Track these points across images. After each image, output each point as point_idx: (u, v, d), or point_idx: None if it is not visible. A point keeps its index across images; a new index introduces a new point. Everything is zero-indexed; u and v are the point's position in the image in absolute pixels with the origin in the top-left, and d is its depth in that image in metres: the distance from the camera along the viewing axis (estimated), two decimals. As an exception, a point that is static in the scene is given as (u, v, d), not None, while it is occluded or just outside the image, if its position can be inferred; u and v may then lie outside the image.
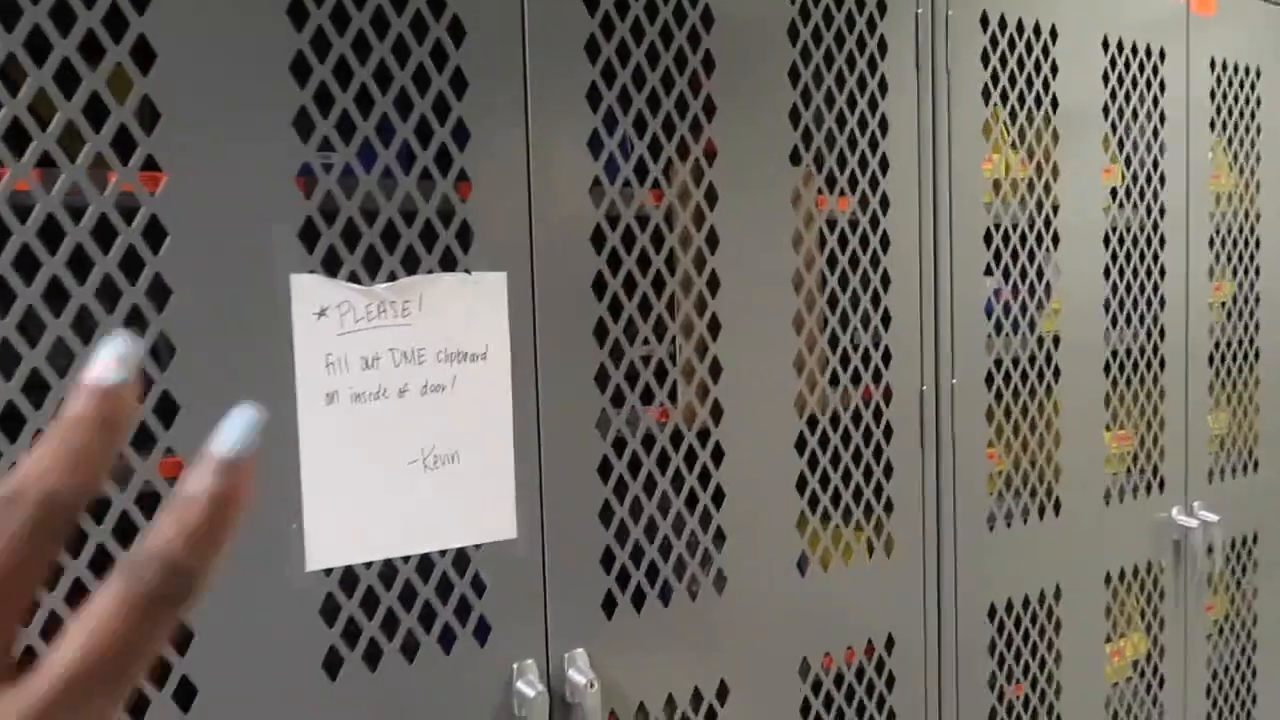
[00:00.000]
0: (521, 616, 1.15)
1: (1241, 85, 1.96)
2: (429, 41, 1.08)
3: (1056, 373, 1.69)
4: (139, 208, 0.93)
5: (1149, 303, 1.84)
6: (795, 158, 1.37)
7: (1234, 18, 1.92)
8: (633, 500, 1.24)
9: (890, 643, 1.50)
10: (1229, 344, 1.99)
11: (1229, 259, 1.98)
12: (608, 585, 1.22)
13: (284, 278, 1.00)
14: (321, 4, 1.02)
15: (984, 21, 1.55)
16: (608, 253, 1.21)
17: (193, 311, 0.96)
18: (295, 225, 1.01)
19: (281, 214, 1.00)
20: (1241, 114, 1.97)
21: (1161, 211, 1.84)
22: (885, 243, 1.47)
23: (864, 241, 1.47)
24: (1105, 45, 1.72)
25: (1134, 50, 1.77)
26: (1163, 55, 1.81)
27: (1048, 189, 1.68)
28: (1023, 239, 1.65)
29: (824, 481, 1.44)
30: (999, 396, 1.63)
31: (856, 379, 1.46)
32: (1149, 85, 1.80)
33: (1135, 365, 1.83)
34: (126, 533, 0.93)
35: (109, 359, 0.26)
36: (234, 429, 0.27)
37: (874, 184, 1.47)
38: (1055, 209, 1.69)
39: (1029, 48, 1.62)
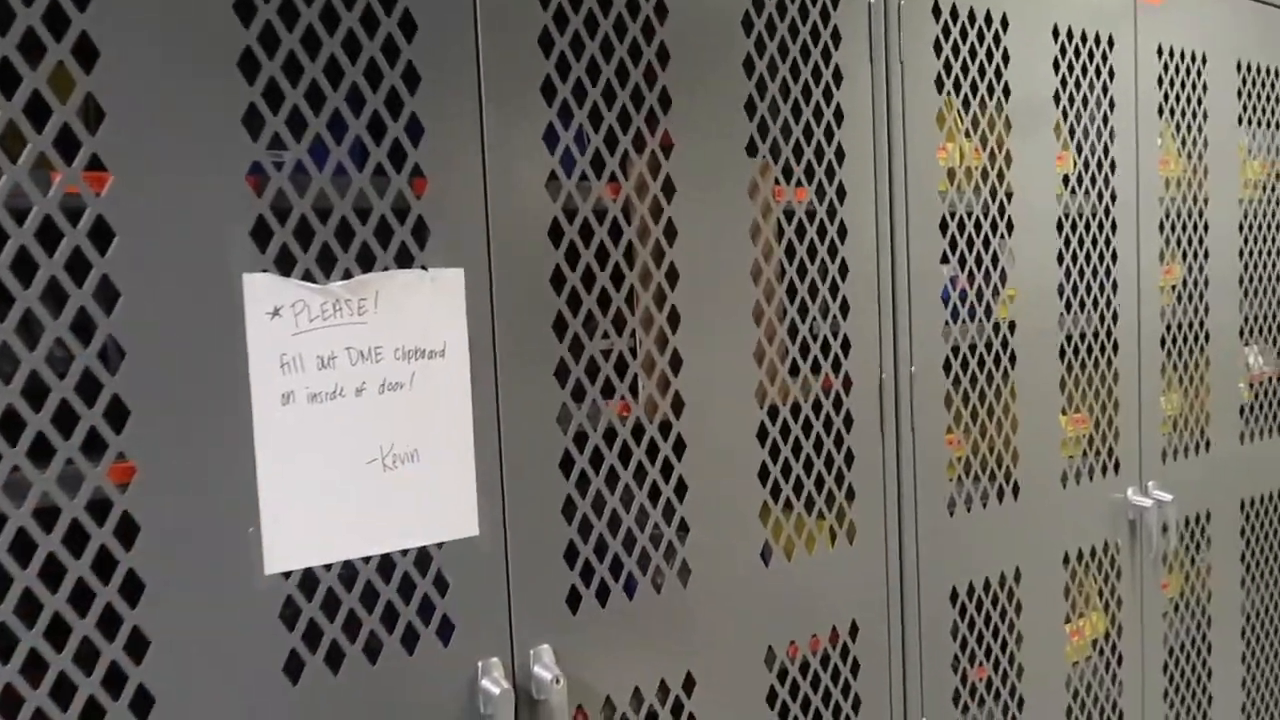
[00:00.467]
0: (485, 614, 1.15)
1: (1189, 72, 1.99)
2: (380, 36, 1.07)
3: (1013, 358, 1.72)
4: (85, 208, 0.92)
5: (1101, 287, 1.87)
6: (752, 149, 1.38)
7: (1181, 5, 1.96)
8: (595, 494, 1.24)
9: (854, 629, 1.51)
10: (1180, 326, 2.03)
11: (1179, 243, 2.02)
12: (572, 580, 1.22)
13: (236, 277, 0.98)
14: (268, -1, 1.00)
15: (935, 11, 1.57)
16: (565, 247, 1.20)
17: (142, 313, 0.94)
18: (247, 224, 0.99)
19: (232, 213, 0.99)
20: (1189, 100, 2.00)
21: (1113, 197, 1.87)
22: (843, 232, 1.48)
23: (821, 232, 1.48)
24: (1055, 33, 1.74)
25: (1083, 38, 1.79)
26: (1111, 43, 1.83)
27: (1001, 177, 1.70)
28: (978, 227, 1.67)
29: (786, 471, 1.45)
30: (957, 383, 1.65)
31: (816, 368, 1.47)
32: (1098, 73, 1.83)
33: (1089, 349, 1.86)
34: (77, 541, 0.92)
35: None
36: None
37: (830, 174, 1.47)
38: (1009, 196, 1.71)
39: (980, 37, 1.64)
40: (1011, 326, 1.71)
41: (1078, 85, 1.80)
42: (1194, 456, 2.05)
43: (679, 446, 1.31)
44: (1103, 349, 1.88)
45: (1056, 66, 1.75)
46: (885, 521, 1.54)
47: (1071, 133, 1.84)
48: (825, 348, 1.48)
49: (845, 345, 1.49)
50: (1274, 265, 2.25)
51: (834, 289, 1.49)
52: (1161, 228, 1.97)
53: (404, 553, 1.10)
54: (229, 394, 0.98)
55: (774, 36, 1.40)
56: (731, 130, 1.35)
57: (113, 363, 0.94)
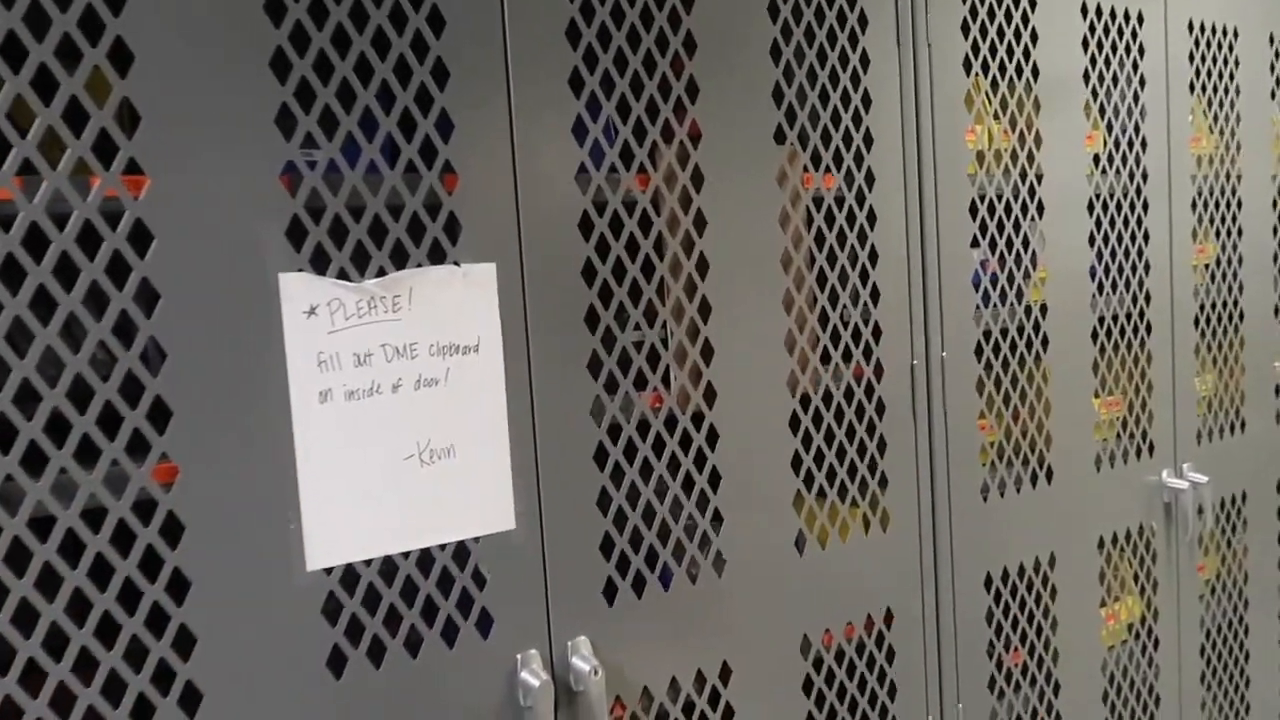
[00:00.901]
0: (523, 607, 1.16)
1: (1220, 47, 1.96)
2: (409, 33, 1.07)
3: (1045, 342, 1.70)
4: (124, 212, 0.92)
5: (1134, 268, 1.85)
6: (780, 136, 1.37)
7: (1211, -20, 1.92)
8: (630, 486, 1.25)
9: (889, 617, 1.51)
10: (1213, 306, 2.00)
11: (1211, 221, 1.99)
12: (608, 572, 1.22)
13: (272, 277, 0.99)
14: (298, -2, 1.01)
15: (964, -8, 1.55)
16: (596, 239, 1.20)
17: (182, 315, 0.95)
18: (282, 224, 1.00)
19: (267, 213, 0.99)
20: (1220, 75, 1.97)
21: (1144, 176, 1.84)
22: (872, 218, 1.47)
23: (850, 218, 1.47)
24: (1084, 11, 1.72)
25: (1112, 15, 1.77)
26: (1141, 19, 1.81)
27: (1031, 158, 1.68)
28: (1008, 209, 1.65)
29: (819, 459, 1.44)
30: (988, 368, 1.63)
31: (848, 356, 1.47)
32: (1128, 50, 1.80)
33: (1122, 331, 1.84)
34: (125, 541, 0.93)
35: None
36: None
37: (859, 160, 1.46)
38: (1039, 178, 1.69)
39: (1008, 17, 1.62)
40: (1043, 309, 1.70)
41: (1107, 63, 1.77)
42: (1229, 437, 2.02)
43: (712, 437, 1.31)
44: (1135, 330, 1.86)
45: (1085, 44, 1.73)
46: (919, 508, 1.53)
47: (1101, 111, 1.82)
48: (856, 335, 1.48)
49: (876, 332, 1.48)
50: (1309, 242, 2.21)
51: (864, 276, 1.48)
52: (1194, 206, 1.94)
53: (442, 547, 1.10)
54: (268, 393, 0.99)
55: (800, 22, 1.39)
56: (759, 118, 1.34)
57: (154, 364, 0.95)
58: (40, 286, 0.89)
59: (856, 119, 1.46)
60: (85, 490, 0.91)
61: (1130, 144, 1.83)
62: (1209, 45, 1.94)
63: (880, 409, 1.49)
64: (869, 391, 1.49)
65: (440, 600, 1.10)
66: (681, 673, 1.29)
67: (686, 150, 1.28)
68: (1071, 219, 1.72)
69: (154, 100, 0.93)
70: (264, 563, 0.99)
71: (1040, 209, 1.69)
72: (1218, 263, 2.02)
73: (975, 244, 1.61)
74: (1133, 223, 1.84)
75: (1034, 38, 1.65)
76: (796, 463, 1.40)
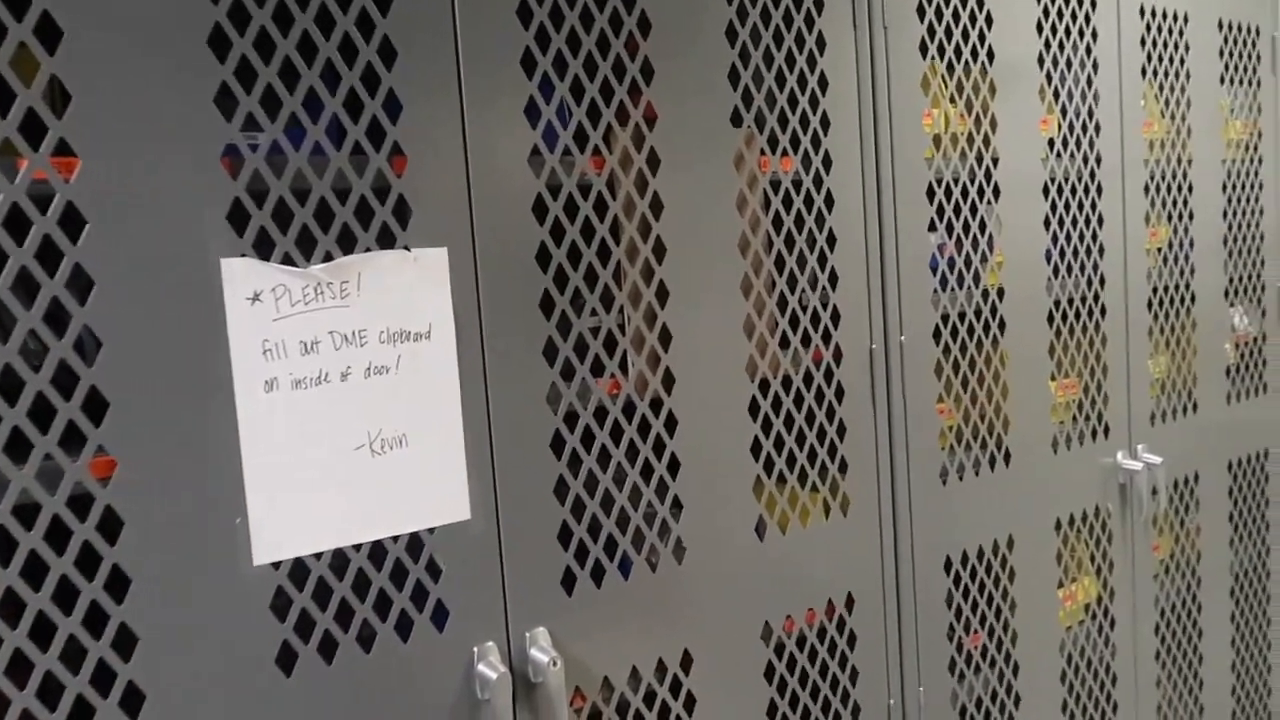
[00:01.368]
0: (480, 598, 1.14)
1: (1170, 31, 1.98)
2: (354, 10, 1.04)
3: (1002, 325, 1.71)
4: (54, 195, 0.88)
5: (1088, 251, 1.86)
6: (736, 119, 1.35)
7: (1162, -35, 1.94)
8: (588, 474, 1.23)
9: (850, 601, 1.51)
10: (1165, 289, 2.03)
11: (1164, 205, 2.02)
12: (566, 561, 1.20)
13: (214, 262, 0.96)
14: (236, -27, 0.97)
15: (919, -25, 1.54)
16: (550, 223, 1.18)
17: (118, 302, 0.91)
18: (223, 207, 0.97)
19: (208, 196, 0.96)
20: (1171, 60, 1.99)
21: (1098, 160, 1.86)
22: (829, 202, 1.47)
23: (808, 202, 1.46)
24: (1039, -5, 1.72)
25: None
26: (1094, 3, 1.81)
27: (987, 142, 1.68)
28: (964, 193, 1.65)
29: (778, 445, 1.43)
30: (947, 351, 1.64)
31: (806, 340, 1.46)
32: (1081, 34, 1.81)
33: (1077, 314, 1.86)
34: (60, 538, 0.89)
35: None
36: None
37: (816, 143, 1.45)
38: (995, 162, 1.69)
39: (964, 0, 1.61)
40: (1000, 293, 1.70)
41: (1061, 47, 1.78)
42: (1182, 419, 2.05)
43: (670, 423, 1.30)
44: (1090, 313, 1.87)
45: (1040, 28, 1.73)
46: (879, 492, 1.53)
47: (1056, 95, 1.83)
48: (815, 319, 1.47)
49: (835, 316, 1.48)
50: (1257, 225, 2.25)
51: (822, 260, 1.47)
52: (1146, 190, 1.96)
53: (395, 539, 1.08)
54: (210, 382, 0.96)
55: (756, 3, 1.37)
56: (715, 100, 1.33)
57: (89, 354, 0.91)
58: (-35, 273, 0.85)
59: (814, 101, 1.45)
60: (17, 485, 0.87)
61: (1084, 128, 1.84)
62: (1160, 30, 1.95)
63: (839, 393, 1.49)
64: (828, 376, 1.48)
65: (394, 593, 1.08)
66: (642, 662, 1.28)
67: (642, 133, 1.26)
68: (1027, 203, 1.73)
69: (85, 79, 0.89)
70: (208, 558, 0.96)
71: (996, 193, 1.69)
72: (1170, 246, 2.05)
73: (933, 228, 1.61)
74: (1087, 206, 1.85)
75: (989, 21, 1.65)
76: (756, 448, 1.39)
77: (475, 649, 1.13)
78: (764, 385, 1.41)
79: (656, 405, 1.29)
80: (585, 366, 1.22)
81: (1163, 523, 2.07)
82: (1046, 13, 1.74)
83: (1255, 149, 2.25)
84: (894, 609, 1.56)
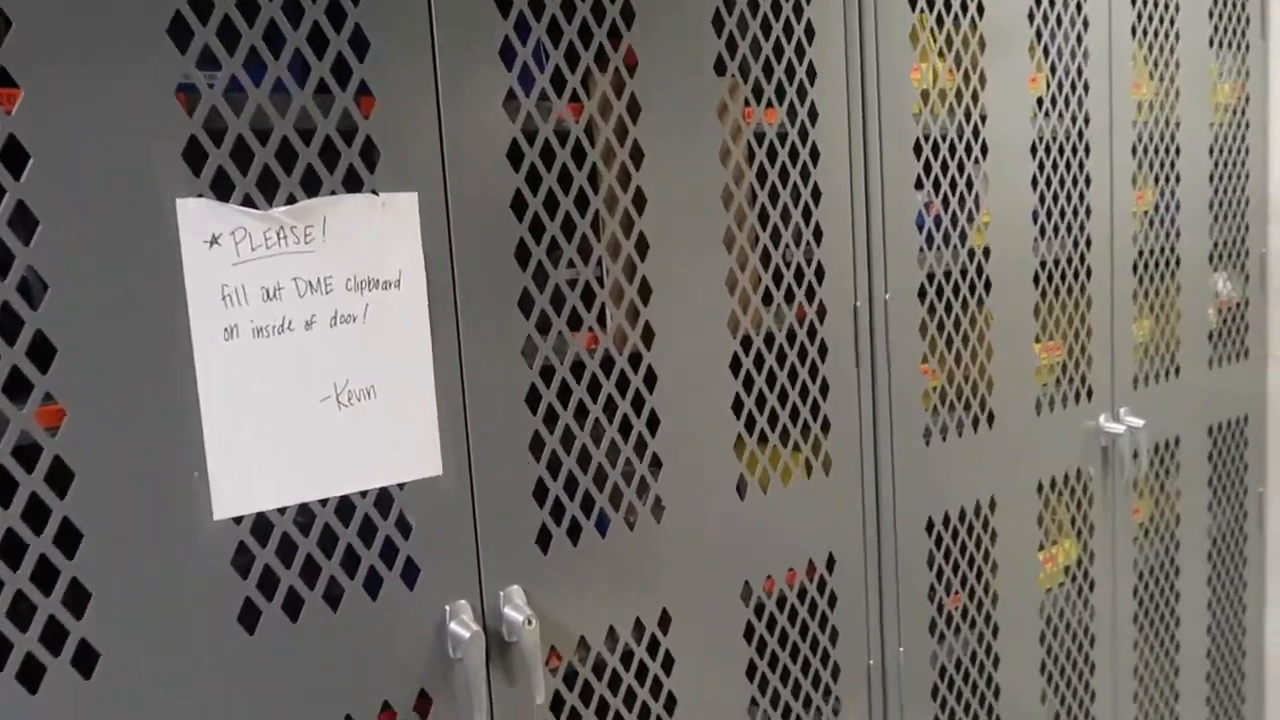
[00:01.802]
0: (452, 556, 1.10)
1: (1162, -11, 1.94)
2: (317, -62, 0.98)
3: (988, 285, 1.68)
4: (-7, 127, 0.83)
5: (1075, 212, 1.83)
6: (720, 67, 1.31)
7: (1155, -81, 1.90)
8: (564, 430, 1.19)
9: (831, 562, 1.49)
10: (1151, 252, 2.00)
11: (1151, 167, 1.99)
12: (541, 519, 1.17)
13: (169, 202, 0.91)
14: (191, -106, 0.91)
15: (909, -80, 1.50)
16: (526, 169, 1.14)
17: (65, 243, 0.86)
18: (178, 144, 0.92)
19: (161, 132, 0.91)
20: (1161, 21, 1.95)
21: (1086, 120, 1.82)
22: (815, 155, 1.43)
23: (793, 154, 1.42)
24: (1030, -53, 1.68)
25: (1058, -48, 1.73)
26: (1086, -42, 1.77)
27: (975, 98, 1.64)
28: (951, 150, 1.61)
29: (760, 402, 1.40)
30: (932, 311, 1.61)
31: (790, 297, 1.42)
32: (1073, -10, 1.77)
33: (1063, 275, 1.83)
34: (4, 488, 0.85)
35: None
36: None
37: (801, 94, 1.41)
38: (983, 119, 1.65)
39: (955, -51, 1.57)
40: (986, 253, 1.67)
41: (1051, 3, 1.74)
42: (1164, 382, 2.04)
43: (650, 379, 1.26)
44: (1076, 275, 1.85)
45: (1031, -19, 1.69)
46: (861, 452, 1.51)
47: (1045, 53, 1.79)
48: (799, 275, 1.43)
49: (819, 272, 1.44)
50: (1243, 190, 2.22)
51: (807, 214, 1.43)
52: (1134, 151, 1.93)
53: (363, 494, 1.04)
54: (166, 329, 0.91)
55: (741, -55, 1.32)
56: (699, 48, 1.28)
57: (35, 297, 0.86)
58: (-101, 208, 0.80)
59: (799, 52, 1.40)
60: (-41, 434, 0.83)
61: (1073, 87, 1.81)
62: (1151, -13, 1.92)
63: (823, 351, 1.46)
64: (811, 333, 1.45)
65: (362, 550, 1.04)
66: (620, 621, 1.25)
67: (622, 78, 1.21)
68: (1015, 162, 1.70)
69: (25, 3, 0.84)
70: (165, 512, 0.92)
71: (984, 150, 1.66)
72: (1155, 209, 2.02)
73: (919, 185, 1.58)
74: (1075, 167, 1.82)
75: (980, -29, 1.61)
76: (738, 406, 1.35)
77: (447, 607, 1.10)
78: (746, 342, 1.37)
79: (636, 360, 1.26)
80: (562, 319, 1.18)
81: (1143, 486, 2.06)
82: (1038, -35, 1.70)
83: (1243, 113, 2.22)
84: (875, 569, 1.54)
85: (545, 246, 1.15)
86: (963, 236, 1.66)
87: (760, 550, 1.39)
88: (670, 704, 1.31)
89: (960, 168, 1.63)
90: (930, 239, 1.62)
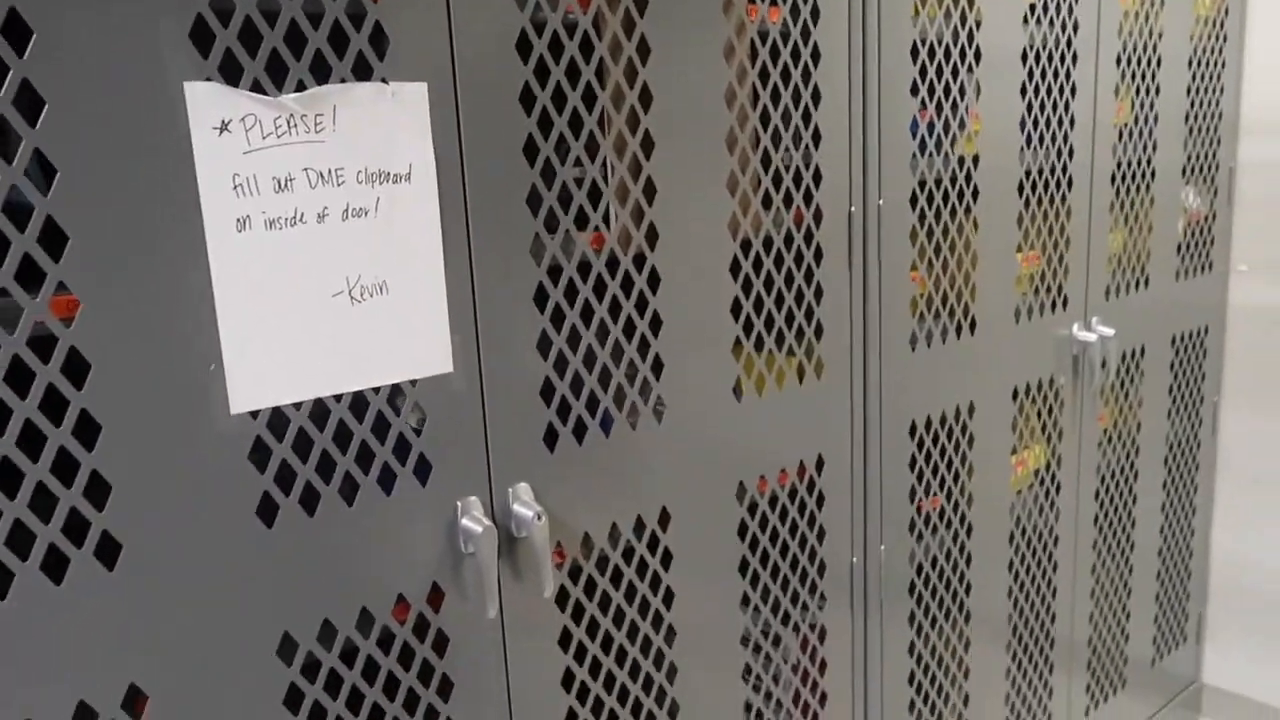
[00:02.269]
0: (463, 453, 1.11)
1: (1156, -105, 1.92)
2: None
3: (975, 194, 1.69)
4: (-9, -1, 0.79)
5: (1060, 123, 1.84)
6: (726, -40, 1.28)
7: None
8: (570, 330, 1.19)
9: (820, 463, 1.52)
10: (1130, 163, 2.03)
11: (1133, 78, 2.00)
12: (548, 418, 1.18)
13: (176, 86, 0.87)
14: None
15: None
16: (535, 62, 1.11)
17: (72, 123, 0.82)
18: (184, 24, 0.87)
19: (165, 8, 0.86)
20: (1153, -74, 1.94)
21: (1075, 28, 1.82)
22: (816, 56, 1.41)
23: (795, 55, 1.40)
24: None
25: None
26: None
27: (971, 2, 1.63)
28: (946, 55, 1.60)
29: (758, 306, 1.41)
30: (922, 218, 1.62)
31: (789, 200, 1.42)
32: (1071, -108, 1.74)
33: (1046, 185, 1.85)
34: (20, 378, 0.83)
35: None
36: None
37: (805, -9, 1.38)
38: (978, 24, 1.64)
39: None
40: (975, 161, 1.68)
41: (1049, -96, 1.71)
42: (1134, 293, 2.09)
43: (654, 280, 1.26)
44: (1058, 185, 1.87)
45: (1032, -119, 1.66)
46: (851, 357, 1.53)
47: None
48: (797, 178, 1.43)
49: (817, 176, 1.44)
50: (1217, 104, 2.25)
51: (806, 117, 1.42)
52: (1119, 61, 1.94)
53: (376, 390, 1.04)
54: (178, 218, 0.88)
55: None
56: (705, -62, 1.24)
57: (42, 182, 0.83)
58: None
59: (804, -54, 1.37)
60: (-30, 323, 0.80)
61: (1064, -8, 1.80)
62: (1145, -108, 1.89)
63: (818, 256, 1.46)
64: (808, 238, 1.45)
65: (376, 446, 1.04)
66: (622, 519, 1.28)
67: (630, -32, 1.18)
68: (1006, 70, 1.69)
69: None
70: (182, 405, 0.90)
71: (978, 56, 1.65)
72: (1135, 121, 2.04)
73: (915, 91, 1.57)
74: (1062, 76, 1.82)
75: None
76: (736, 309, 1.36)
77: (459, 503, 1.11)
78: (745, 245, 1.37)
79: (640, 261, 1.25)
80: (569, 218, 1.17)
81: (1109, 393, 2.13)
82: None
83: (1222, 25, 2.23)
84: (860, 471, 1.58)
85: (553, 142, 1.13)
86: (954, 143, 1.66)
87: (754, 451, 1.42)
88: (668, 598, 1.35)
89: (955, 73, 1.62)
90: (923, 146, 1.62)
